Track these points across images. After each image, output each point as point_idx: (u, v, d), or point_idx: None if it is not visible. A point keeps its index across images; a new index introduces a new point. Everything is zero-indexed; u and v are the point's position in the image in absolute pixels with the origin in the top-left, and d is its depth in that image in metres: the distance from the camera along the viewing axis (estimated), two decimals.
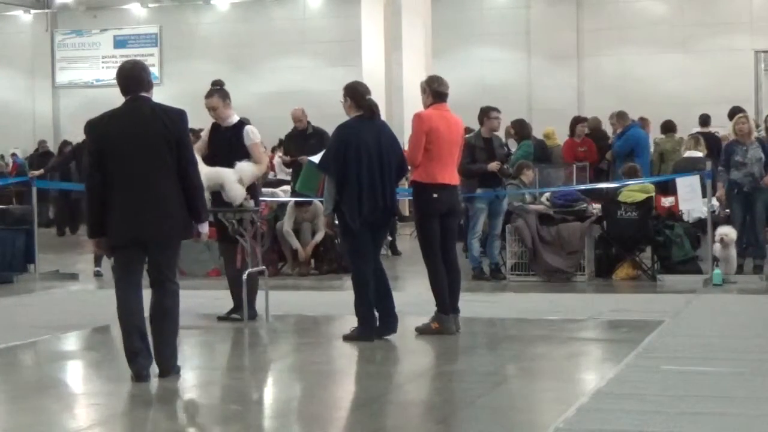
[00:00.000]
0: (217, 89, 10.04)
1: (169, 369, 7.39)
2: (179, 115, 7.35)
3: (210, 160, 9.83)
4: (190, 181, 7.34)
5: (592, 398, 6.61)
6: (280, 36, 31.48)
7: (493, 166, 13.07)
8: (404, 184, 13.40)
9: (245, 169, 9.78)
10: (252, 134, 9.97)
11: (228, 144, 9.97)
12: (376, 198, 8.80)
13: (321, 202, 10.64)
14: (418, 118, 9.23)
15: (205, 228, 7.56)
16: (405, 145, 10.94)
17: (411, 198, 9.61)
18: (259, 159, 9.99)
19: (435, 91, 9.29)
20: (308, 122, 15.51)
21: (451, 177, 9.34)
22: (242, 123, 10.06)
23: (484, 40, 29.60)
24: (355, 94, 9.02)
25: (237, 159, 9.80)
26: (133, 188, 7.22)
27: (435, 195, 9.12)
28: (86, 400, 7.24)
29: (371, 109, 8.99)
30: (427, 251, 9.24)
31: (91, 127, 7.42)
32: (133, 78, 7.39)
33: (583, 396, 6.69)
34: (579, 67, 29.05)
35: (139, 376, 7.28)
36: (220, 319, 10.15)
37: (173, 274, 7.46)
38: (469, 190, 13.03)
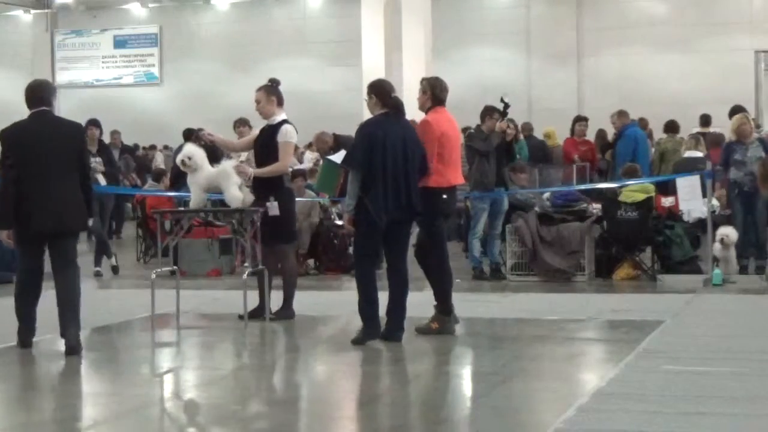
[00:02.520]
0: (267, 85, 10.24)
1: (79, 346, 8.38)
2: (78, 127, 8.92)
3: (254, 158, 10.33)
4: (87, 180, 8.69)
5: (592, 398, 6.61)
6: (280, 36, 31.47)
7: (502, 125, 13.10)
8: None
9: (227, 167, 9.84)
10: (285, 132, 10.00)
11: (262, 141, 10.10)
12: (400, 195, 8.76)
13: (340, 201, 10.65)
14: (428, 125, 9.18)
15: (91, 221, 8.76)
16: None
17: None
18: (281, 157, 9.98)
19: (437, 97, 9.30)
20: (336, 136, 14.97)
21: (459, 177, 9.44)
22: (283, 122, 10.10)
23: (484, 40, 29.59)
24: (381, 91, 9.01)
25: (270, 156, 9.92)
26: (52, 187, 8.36)
27: (444, 196, 9.14)
28: (86, 400, 7.26)
29: (397, 107, 8.97)
30: (438, 252, 9.23)
31: (8, 135, 8.60)
32: (39, 95, 8.73)
33: (583, 396, 6.69)
34: (579, 67, 29.04)
35: (28, 343, 8.60)
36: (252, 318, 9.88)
37: (76, 256, 8.70)
38: (488, 190, 13.06)
